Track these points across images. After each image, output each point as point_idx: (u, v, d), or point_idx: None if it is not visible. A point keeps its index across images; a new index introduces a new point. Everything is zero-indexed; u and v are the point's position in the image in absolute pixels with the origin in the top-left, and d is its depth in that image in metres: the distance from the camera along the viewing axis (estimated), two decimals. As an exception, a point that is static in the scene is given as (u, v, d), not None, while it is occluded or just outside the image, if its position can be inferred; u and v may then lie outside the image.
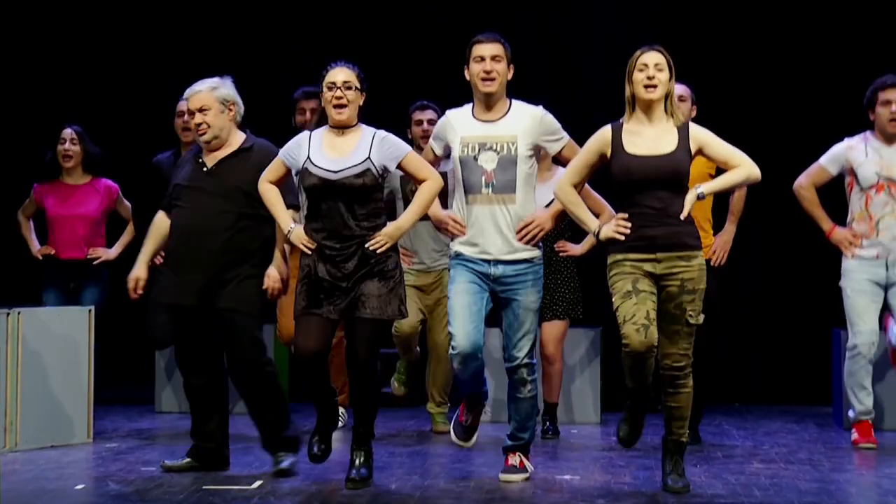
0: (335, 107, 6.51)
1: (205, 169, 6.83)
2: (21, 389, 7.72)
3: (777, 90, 10.08)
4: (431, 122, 8.26)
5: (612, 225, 6.28)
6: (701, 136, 6.37)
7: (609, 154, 6.33)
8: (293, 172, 6.64)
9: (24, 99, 10.59)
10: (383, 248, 6.42)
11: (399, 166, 6.54)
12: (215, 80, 6.91)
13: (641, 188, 6.26)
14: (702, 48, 9.98)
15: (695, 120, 7.77)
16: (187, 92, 6.93)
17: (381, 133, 6.57)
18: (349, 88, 6.51)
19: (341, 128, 6.55)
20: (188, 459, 6.95)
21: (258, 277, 6.83)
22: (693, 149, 6.33)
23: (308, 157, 6.51)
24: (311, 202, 6.54)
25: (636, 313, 6.23)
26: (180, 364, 6.99)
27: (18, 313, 7.75)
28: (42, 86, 10.58)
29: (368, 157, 6.47)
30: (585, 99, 10.02)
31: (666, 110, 6.34)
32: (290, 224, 6.57)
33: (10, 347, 7.69)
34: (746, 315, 9.88)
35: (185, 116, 8.05)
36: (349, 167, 6.45)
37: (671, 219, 6.25)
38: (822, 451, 7.72)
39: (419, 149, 7.66)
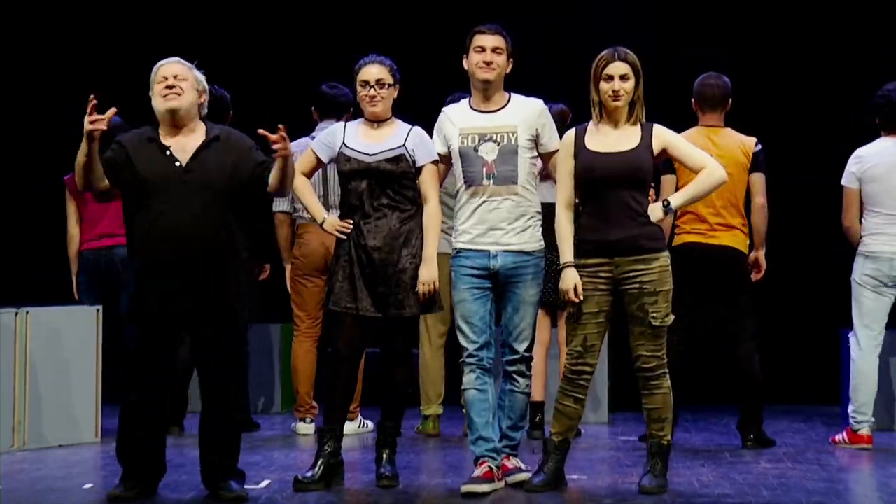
0: (369, 103, 6.58)
1: (177, 164, 6.20)
2: (29, 389, 7.72)
3: (777, 89, 10.11)
4: None
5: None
6: (665, 136, 6.43)
7: (574, 153, 6.40)
8: (327, 161, 6.70)
9: (25, 99, 10.59)
10: (433, 289, 6.51)
11: (418, 167, 6.59)
12: (189, 63, 6.40)
13: (603, 186, 6.33)
14: (701, 48, 10.01)
15: (727, 114, 7.88)
16: (161, 62, 6.34)
17: (419, 129, 6.66)
18: (382, 86, 6.58)
19: (376, 121, 6.63)
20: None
21: (244, 284, 6.43)
22: (656, 148, 6.38)
23: (343, 143, 6.60)
24: (346, 189, 6.60)
25: (573, 339, 6.40)
26: (143, 376, 6.28)
27: (27, 313, 7.76)
28: (40, 86, 10.56)
29: (404, 145, 6.55)
30: (586, 99, 10.02)
31: (631, 113, 6.40)
32: (324, 214, 6.65)
33: (18, 347, 7.70)
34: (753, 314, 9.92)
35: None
36: (384, 150, 6.54)
37: (633, 219, 6.31)
38: (829, 451, 7.74)
39: None
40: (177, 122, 6.30)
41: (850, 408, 7.88)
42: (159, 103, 6.29)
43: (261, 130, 6.19)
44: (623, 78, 6.34)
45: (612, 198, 6.32)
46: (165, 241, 6.16)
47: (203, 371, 6.40)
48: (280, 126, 6.12)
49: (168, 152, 6.24)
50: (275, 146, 6.12)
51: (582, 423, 8.61)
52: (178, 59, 6.41)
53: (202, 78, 6.44)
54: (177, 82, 6.26)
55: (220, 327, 6.30)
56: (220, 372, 6.35)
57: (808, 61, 10.08)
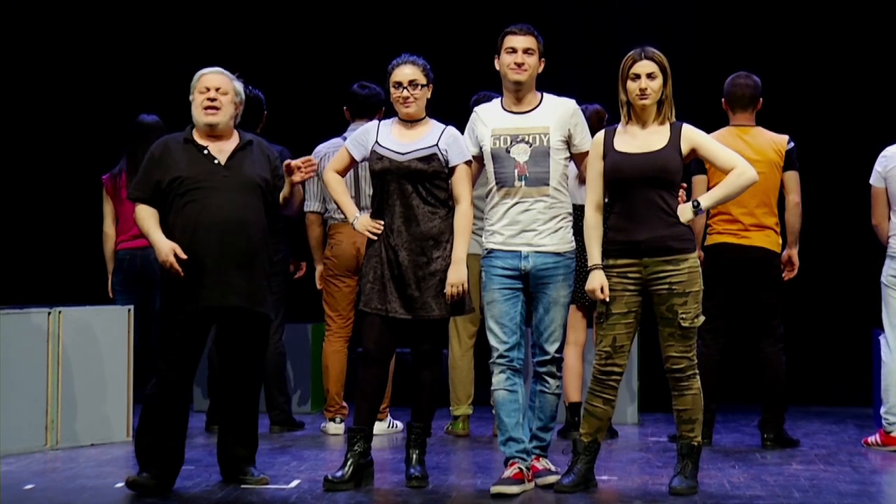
0: (402, 104, 6.58)
1: (216, 162, 6.47)
2: (61, 388, 7.76)
3: (810, 87, 10.08)
4: None
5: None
6: (693, 136, 6.42)
7: (603, 154, 6.40)
8: (360, 160, 6.70)
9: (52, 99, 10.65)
10: (461, 291, 6.49)
11: (450, 167, 6.58)
12: (230, 74, 6.65)
13: (631, 186, 6.33)
14: (730, 35, 10.01)
15: (759, 113, 7.83)
16: (204, 70, 6.58)
17: (453, 129, 6.64)
18: (415, 87, 6.57)
19: (410, 121, 6.62)
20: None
21: (271, 282, 6.71)
22: (685, 148, 6.37)
23: (376, 141, 6.60)
24: (378, 188, 6.61)
25: (602, 340, 6.40)
26: (184, 375, 6.48)
27: (59, 312, 7.79)
28: (77, 85, 10.61)
29: (436, 145, 6.54)
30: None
31: (659, 113, 6.39)
32: (356, 213, 6.66)
33: (51, 346, 7.73)
34: (785, 315, 9.87)
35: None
36: (417, 149, 6.53)
37: (662, 219, 6.31)
38: (862, 453, 7.69)
39: None
40: (214, 133, 6.53)
41: (882, 409, 7.84)
42: (200, 116, 6.51)
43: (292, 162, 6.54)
44: (650, 76, 6.33)
45: (640, 198, 6.32)
46: (211, 231, 6.34)
47: (228, 363, 6.51)
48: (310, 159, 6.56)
49: (206, 152, 6.47)
50: (297, 174, 6.50)
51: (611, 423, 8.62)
52: (220, 69, 6.58)
53: (241, 89, 6.63)
54: (218, 96, 6.49)
55: (248, 320, 6.47)
56: (247, 364, 6.49)
57: (841, 59, 10.04)
